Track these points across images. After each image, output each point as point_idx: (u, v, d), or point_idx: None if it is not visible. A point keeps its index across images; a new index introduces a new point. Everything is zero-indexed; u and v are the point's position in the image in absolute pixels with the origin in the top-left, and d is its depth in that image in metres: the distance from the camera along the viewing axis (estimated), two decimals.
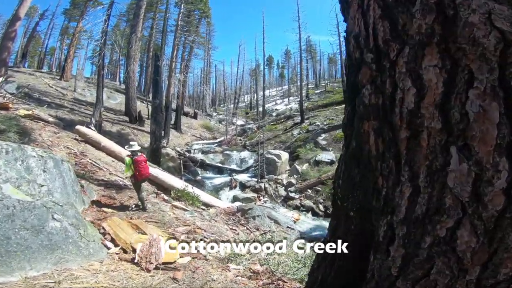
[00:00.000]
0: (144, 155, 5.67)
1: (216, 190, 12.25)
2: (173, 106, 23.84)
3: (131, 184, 5.96)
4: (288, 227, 6.07)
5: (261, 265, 3.24)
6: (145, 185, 8.51)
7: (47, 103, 17.71)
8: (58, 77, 27.96)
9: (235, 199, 11.12)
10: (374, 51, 1.02)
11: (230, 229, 5.11)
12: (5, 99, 10.87)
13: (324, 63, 62.54)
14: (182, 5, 21.21)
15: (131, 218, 4.53)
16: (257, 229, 5.48)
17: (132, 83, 20.00)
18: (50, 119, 12.59)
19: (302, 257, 3.60)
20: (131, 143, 5.54)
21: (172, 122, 21.77)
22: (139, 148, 5.49)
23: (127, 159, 5.15)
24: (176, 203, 6.05)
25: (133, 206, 5.37)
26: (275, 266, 3.16)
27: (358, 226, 1.19)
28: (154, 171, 9.03)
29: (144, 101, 26.24)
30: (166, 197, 6.26)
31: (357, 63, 1.13)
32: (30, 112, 10.23)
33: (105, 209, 4.91)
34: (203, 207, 6.89)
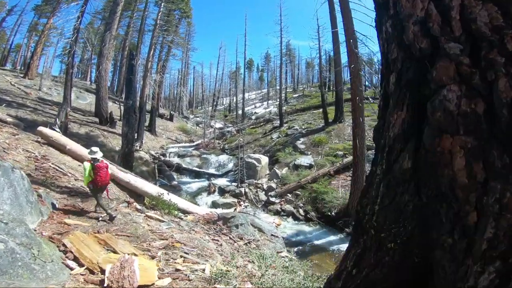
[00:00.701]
0: (105, 162, 5.35)
1: (193, 196, 11.71)
2: (148, 107, 22.85)
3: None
4: (272, 235, 5.76)
5: (252, 284, 2.90)
6: (116, 191, 7.86)
7: (6, 102, 16.21)
8: (22, 75, 25.90)
9: (214, 204, 10.67)
10: (465, 40, 0.76)
11: (212, 239, 4.70)
12: None
13: (302, 67, 63.76)
14: (163, 4, 20.41)
15: (97, 232, 3.98)
16: (241, 238, 5.12)
17: (103, 82, 18.84)
18: (9, 119, 11.41)
19: (290, 266, 3.33)
20: (93, 149, 5.21)
21: (147, 124, 20.83)
22: (101, 155, 5.17)
23: (88, 165, 4.86)
24: (151, 213, 5.49)
25: (101, 216, 4.85)
26: (268, 284, 2.84)
27: (397, 258, 0.91)
28: (126, 176, 8.38)
29: (116, 102, 24.90)
30: (139, 206, 5.67)
31: (422, 55, 0.86)
32: None
33: (68, 221, 4.30)
34: (181, 215, 6.40)
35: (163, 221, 5.11)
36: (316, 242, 8.75)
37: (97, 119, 17.75)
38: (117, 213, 5.03)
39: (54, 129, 9.65)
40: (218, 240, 4.65)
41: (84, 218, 4.75)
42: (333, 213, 9.94)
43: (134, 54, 13.89)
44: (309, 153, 13.94)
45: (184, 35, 34.70)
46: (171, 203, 6.32)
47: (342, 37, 12.80)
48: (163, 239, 4.05)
